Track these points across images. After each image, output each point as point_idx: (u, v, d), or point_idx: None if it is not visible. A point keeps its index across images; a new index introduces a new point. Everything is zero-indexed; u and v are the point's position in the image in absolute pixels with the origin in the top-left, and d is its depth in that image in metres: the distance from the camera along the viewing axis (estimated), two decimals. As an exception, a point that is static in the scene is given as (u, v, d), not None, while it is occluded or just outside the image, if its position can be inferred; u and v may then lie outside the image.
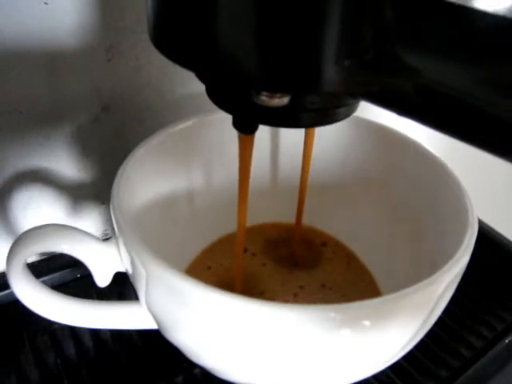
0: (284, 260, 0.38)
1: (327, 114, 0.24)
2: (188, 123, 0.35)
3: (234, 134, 0.26)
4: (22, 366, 0.33)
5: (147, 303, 0.27)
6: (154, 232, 0.31)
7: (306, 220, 0.39)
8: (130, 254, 0.25)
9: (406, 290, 0.23)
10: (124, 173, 0.29)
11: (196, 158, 0.36)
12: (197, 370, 0.32)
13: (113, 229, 0.39)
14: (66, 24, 0.32)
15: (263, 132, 0.37)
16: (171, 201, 0.35)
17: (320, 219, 0.40)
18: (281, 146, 0.39)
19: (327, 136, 0.37)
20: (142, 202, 0.32)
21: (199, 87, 0.25)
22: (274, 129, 0.38)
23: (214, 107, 0.33)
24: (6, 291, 0.36)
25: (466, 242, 0.26)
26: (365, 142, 0.37)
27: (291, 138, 0.38)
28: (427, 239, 0.32)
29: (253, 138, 0.27)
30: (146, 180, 0.32)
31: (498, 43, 0.18)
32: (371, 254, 0.37)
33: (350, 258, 0.38)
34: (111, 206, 0.27)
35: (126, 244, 0.25)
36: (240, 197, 0.29)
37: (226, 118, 0.28)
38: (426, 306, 0.24)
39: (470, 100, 0.18)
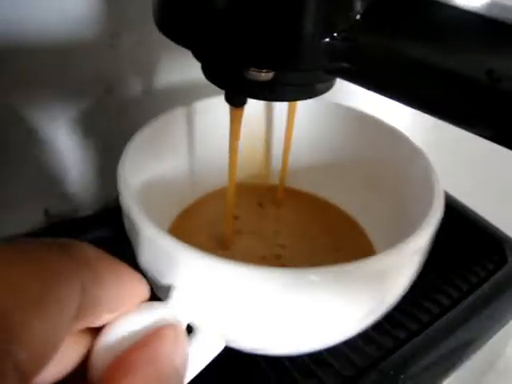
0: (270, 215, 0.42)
1: (306, 89, 0.28)
2: (183, 109, 0.38)
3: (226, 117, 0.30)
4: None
5: (140, 262, 0.30)
6: (153, 200, 0.34)
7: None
8: (128, 218, 0.28)
9: (381, 254, 0.26)
10: (130, 148, 0.33)
11: (195, 138, 0.40)
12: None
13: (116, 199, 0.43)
14: (74, 12, 0.36)
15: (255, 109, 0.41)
16: (171, 175, 0.39)
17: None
18: (269, 122, 0.43)
19: (309, 119, 0.41)
20: (145, 175, 0.35)
21: (197, 74, 0.29)
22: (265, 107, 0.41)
23: (211, 92, 0.36)
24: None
25: (434, 209, 0.29)
26: (343, 124, 0.41)
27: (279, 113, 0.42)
28: (399, 205, 0.36)
29: (242, 111, 0.30)
30: (149, 156, 0.35)
31: (446, 27, 0.22)
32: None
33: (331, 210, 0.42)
34: (117, 177, 0.30)
35: (124, 208, 0.29)
36: (231, 160, 0.33)
37: (220, 103, 0.32)
38: (399, 269, 0.28)
39: (420, 72, 0.22)
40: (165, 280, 0.27)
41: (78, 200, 0.44)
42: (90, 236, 0.42)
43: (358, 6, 0.23)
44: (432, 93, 0.22)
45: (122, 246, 0.38)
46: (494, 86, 0.20)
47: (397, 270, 0.27)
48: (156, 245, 0.26)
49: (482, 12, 0.20)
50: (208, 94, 0.39)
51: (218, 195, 0.42)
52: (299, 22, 0.22)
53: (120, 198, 0.29)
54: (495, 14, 0.20)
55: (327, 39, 0.23)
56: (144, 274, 0.29)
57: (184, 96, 0.44)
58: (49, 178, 0.42)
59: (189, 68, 0.42)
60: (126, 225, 0.29)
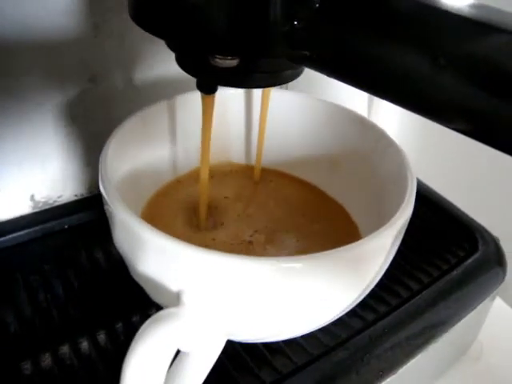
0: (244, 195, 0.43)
1: (272, 76, 0.29)
2: (166, 102, 0.39)
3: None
4: (17, 302, 0.37)
5: (115, 243, 0.31)
6: (132, 187, 0.36)
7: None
8: (106, 202, 0.30)
9: (361, 241, 0.27)
10: (112, 139, 0.34)
11: (176, 130, 0.41)
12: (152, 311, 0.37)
13: (97, 186, 0.44)
14: (59, 4, 0.37)
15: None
16: (153, 164, 0.40)
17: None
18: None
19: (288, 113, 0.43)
20: (127, 164, 0.36)
21: (177, 68, 0.30)
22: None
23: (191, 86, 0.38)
24: (5, 237, 0.41)
25: (407, 195, 0.31)
26: (318, 117, 0.42)
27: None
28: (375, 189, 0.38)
29: (213, 98, 0.32)
30: (132, 146, 0.37)
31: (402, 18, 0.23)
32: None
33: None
34: (99, 164, 0.32)
35: (104, 192, 0.30)
36: (203, 144, 0.35)
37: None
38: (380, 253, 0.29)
39: (373, 60, 0.23)
40: (138, 262, 0.28)
41: (62, 185, 0.45)
42: (73, 220, 0.44)
43: (317, -5, 0.24)
44: (384, 80, 0.24)
45: (103, 230, 0.40)
46: (439, 72, 0.21)
47: (375, 255, 0.29)
48: (127, 228, 0.27)
49: (438, 5, 0.22)
50: (191, 84, 0.40)
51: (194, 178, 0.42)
52: (261, 10, 0.23)
53: (100, 184, 0.31)
54: (444, 4, 0.22)
55: (287, 28, 0.24)
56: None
57: (166, 87, 0.45)
58: (35, 164, 0.43)
59: (170, 59, 0.43)
60: (106, 212, 0.31)
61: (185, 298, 0.26)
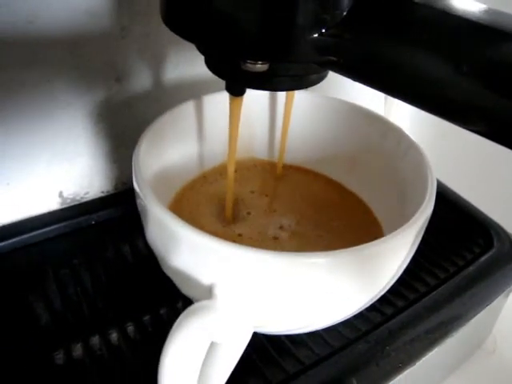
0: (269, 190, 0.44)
1: (299, 80, 0.30)
2: (194, 102, 0.41)
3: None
4: (47, 294, 0.39)
5: (148, 239, 0.32)
6: (163, 183, 0.37)
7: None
8: (140, 200, 0.31)
9: (385, 238, 0.28)
10: (144, 138, 0.35)
11: (205, 129, 0.43)
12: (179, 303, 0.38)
13: (124, 182, 0.46)
14: (87, 6, 0.38)
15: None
16: (182, 162, 0.42)
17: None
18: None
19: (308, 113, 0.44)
20: (158, 162, 0.38)
21: (202, 66, 0.31)
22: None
23: (214, 87, 0.39)
24: (34, 233, 0.43)
25: (428, 194, 0.32)
26: (339, 117, 0.44)
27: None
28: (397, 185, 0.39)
29: (241, 99, 0.33)
30: (163, 144, 0.38)
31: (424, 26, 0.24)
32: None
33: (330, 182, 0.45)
34: (132, 163, 0.33)
35: (137, 191, 0.31)
36: (230, 144, 0.36)
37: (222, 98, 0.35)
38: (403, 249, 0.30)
39: (398, 68, 0.24)
40: (171, 257, 0.29)
41: (89, 182, 0.46)
42: (100, 216, 0.45)
43: (345, 4, 0.25)
44: (409, 85, 0.25)
45: (129, 226, 0.42)
46: (462, 78, 0.22)
47: (397, 252, 0.30)
48: (161, 224, 0.29)
49: (458, 13, 0.23)
50: (213, 84, 0.41)
51: (220, 173, 0.44)
52: (291, 18, 0.25)
53: (134, 182, 0.32)
54: (466, 13, 0.23)
55: (316, 35, 0.25)
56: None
57: (190, 86, 0.47)
58: (63, 162, 0.44)
59: (194, 59, 0.45)
60: (137, 203, 0.32)
61: (217, 291, 0.27)
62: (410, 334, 0.37)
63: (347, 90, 0.53)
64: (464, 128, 0.23)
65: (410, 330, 0.37)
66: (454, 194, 0.50)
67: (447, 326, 0.38)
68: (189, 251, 0.28)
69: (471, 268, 0.42)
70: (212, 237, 0.26)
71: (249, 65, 0.27)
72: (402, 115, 0.63)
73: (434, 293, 0.40)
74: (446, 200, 0.49)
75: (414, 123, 0.64)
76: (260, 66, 0.27)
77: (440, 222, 0.47)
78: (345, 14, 0.25)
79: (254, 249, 0.26)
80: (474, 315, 0.40)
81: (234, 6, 0.25)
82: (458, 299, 0.40)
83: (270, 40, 0.25)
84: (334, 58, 0.26)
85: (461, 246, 0.45)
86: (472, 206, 0.49)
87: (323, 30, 0.25)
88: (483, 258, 0.43)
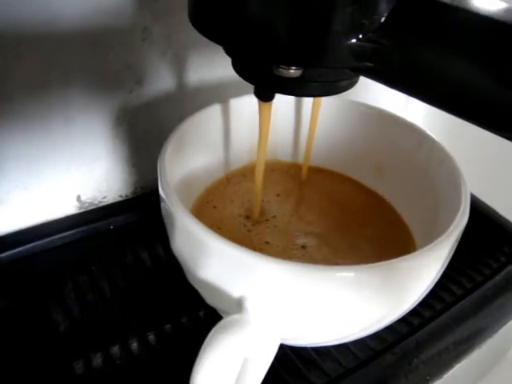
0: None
1: (332, 86, 0.29)
2: (219, 106, 0.40)
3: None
4: (65, 301, 0.38)
5: (173, 247, 0.31)
6: (188, 189, 0.37)
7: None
8: (166, 206, 0.30)
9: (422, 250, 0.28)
10: (170, 141, 0.34)
11: (229, 133, 0.42)
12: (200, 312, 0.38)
13: (143, 187, 0.45)
14: (108, 7, 0.38)
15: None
16: (207, 167, 0.41)
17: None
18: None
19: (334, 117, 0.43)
20: (183, 167, 0.37)
21: (223, 69, 0.30)
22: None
23: (235, 90, 0.38)
24: (52, 237, 0.42)
25: (462, 206, 0.31)
26: (367, 122, 0.43)
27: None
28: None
29: (270, 105, 0.32)
30: (188, 149, 0.37)
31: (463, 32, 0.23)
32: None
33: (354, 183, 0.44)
34: (158, 168, 0.32)
35: (163, 197, 0.30)
36: (259, 147, 0.35)
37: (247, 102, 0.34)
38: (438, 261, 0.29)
39: (437, 75, 0.23)
40: (199, 267, 0.28)
41: (107, 186, 0.46)
42: (118, 221, 0.44)
43: (383, 9, 0.24)
44: (449, 93, 0.24)
45: (148, 231, 0.41)
46: (504, 86, 0.21)
47: (431, 266, 0.29)
48: (190, 233, 0.28)
49: (499, 17, 0.22)
50: (234, 87, 0.40)
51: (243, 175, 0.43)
52: (328, 22, 0.24)
53: (160, 187, 0.31)
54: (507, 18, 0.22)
55: (353, 40, 0.24)
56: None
57: (211, 89, 0.46)
58: (81, 166, 0.44)
59: (216, 63, 0.44)
60: (163, 212, 0.31)
61: (248, 305, 0.26)
62: (438, 345, 0.36)
63: (366, 92, 0.53)
64: (506, 138, 0.23)
65: (437, 341, 0.36)
66: (476, 198, 0.49)
67: (475, 337, 0.38)
68: (219, 262, 0.27)
69: (497, 277, 0.42)
70: (245, 249, 0.25)
71: (282, 70, 0.26)
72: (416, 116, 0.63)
73: (461, 303, 0.39)
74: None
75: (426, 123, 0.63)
76: (293, 72, 0.26)
77: (464, 230, 0.46)
78: (383, 18, 0.24)
79: (287, 261, 0.25)
80: (502, 325, 0.39)
81: (269, 8, 0.24)
82: (486, 309, 0.39)
83: (306, 44, 0.24)
84: (371, 64, 0.25)
85: (486, 255, 0.44)
86: (495, 211, 0.48)
87: (361, 35, 0.24)
88: (509, 267, 0.43)
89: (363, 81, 0.30)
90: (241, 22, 0.25)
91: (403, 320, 0.37)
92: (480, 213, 0.48)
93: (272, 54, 0.25)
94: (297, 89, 0.29)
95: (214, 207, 0.39)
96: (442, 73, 0.23)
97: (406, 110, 0.64)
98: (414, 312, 0.37)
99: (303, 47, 0.24)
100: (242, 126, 0.40)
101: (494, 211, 0.48)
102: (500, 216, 0.48)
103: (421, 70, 0.24)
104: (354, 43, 0.24)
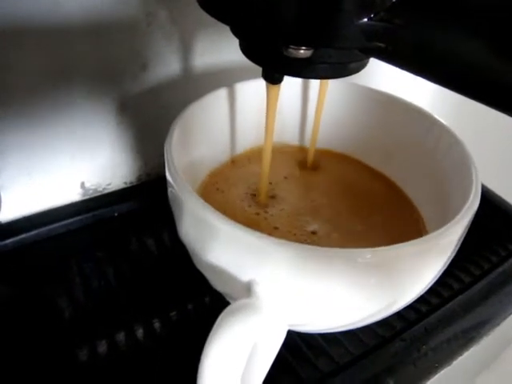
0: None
1: (341, 68, 0.29)
2: (225, 90, 0.39)
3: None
4: (71, 287, 0.38)
5: (181, 233, 0.31)
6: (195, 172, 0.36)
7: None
8: (173, 191, 0.30)
9: (432, 234, 0.27)
10: (176, 125, 0.34)
11: (235, 117, 0.41)
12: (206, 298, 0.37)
13: (148, 173, 0.44)
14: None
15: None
16: (214, 151, 0.41)
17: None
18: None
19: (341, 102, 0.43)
20: (190, 152, 0.36)
21: (229, 53, 0.30)
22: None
23: (240, 74, 0.38)
24: (58, 223, 0.41)
25: (473, 191, 0.31)
26: (375, 107, 0.42)
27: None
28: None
29: (279, 88, 0.32)
30: (193, 134, 0.37)
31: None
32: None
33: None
34: (165, 153, 0.31)
35: (171, 181, 0.30)
36: (267, 130, 0.35)
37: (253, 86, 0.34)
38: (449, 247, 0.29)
39: (451, 56, 0.23)
40: (207, 251, 0.28)
41: (111, 173, 0.45)
42: (122, 208, 0.44)
43: (396, -12, 0.24)
44: (462, 74, 0.23)
45: (153, 218, 0.40)
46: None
47: (442, 250, 0.28)
48: (198, 217, 0.27)
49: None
50: (240, 72, 0.40)
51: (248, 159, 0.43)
52: (339, 2, 0.23)
53: (167, 172, 0.30)
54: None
55: (365, 19, 0.24)
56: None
57: (216, 74, 0.45)
58: (85, 152, 0.43)
59: (221, 47, 0.44)
60: (170, 196, 0.31)
61: (258, 289, 0.26)
62: (447, 332, 0.36)
63: (372, 74, 0.52)
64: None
65: (446, 328, 0.36)
66: (482, 185, 0.48)
67: (484, 324, 0.37)
68: (229, 246, 0.26)
69: (506, 264, 0.41)
70: (256, 232, 0.25)
71: (292, 50, 0.26)
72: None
73: (470, 290, 0.39)
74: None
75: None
76: (304, 52, 0.26)
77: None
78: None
79: (301, 244, 0.24)
80: (511, 313, 0.39)
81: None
82: (494, 297, 0.39)
83: (317, 23, 0.24)
84: (382, 45, 0.25)
85: (493, 242, 0.44)
86: (503, 199, 0.48)
87: (372, 15, 0.24)
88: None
89: (367, 69, 0.30)
90: (250, 1, 0.24)
91: (411, 307, 0.37)
92: (487, 200, 0.47)
93: (282, 34, 0.25)
94: (305, 70, 0.28)
95: (221, 191, 0.39)
96: (455, 52, 0.23)
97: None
98: (422, 299, 0.37)
99: (314, 26, 0.24)
100: (248, 111, 0.40)
101: (502, 198, 0.48)
102: (507, 203, 0.47)
103: (433, 50, 0.24)
104: (365, 23, 0.24)
